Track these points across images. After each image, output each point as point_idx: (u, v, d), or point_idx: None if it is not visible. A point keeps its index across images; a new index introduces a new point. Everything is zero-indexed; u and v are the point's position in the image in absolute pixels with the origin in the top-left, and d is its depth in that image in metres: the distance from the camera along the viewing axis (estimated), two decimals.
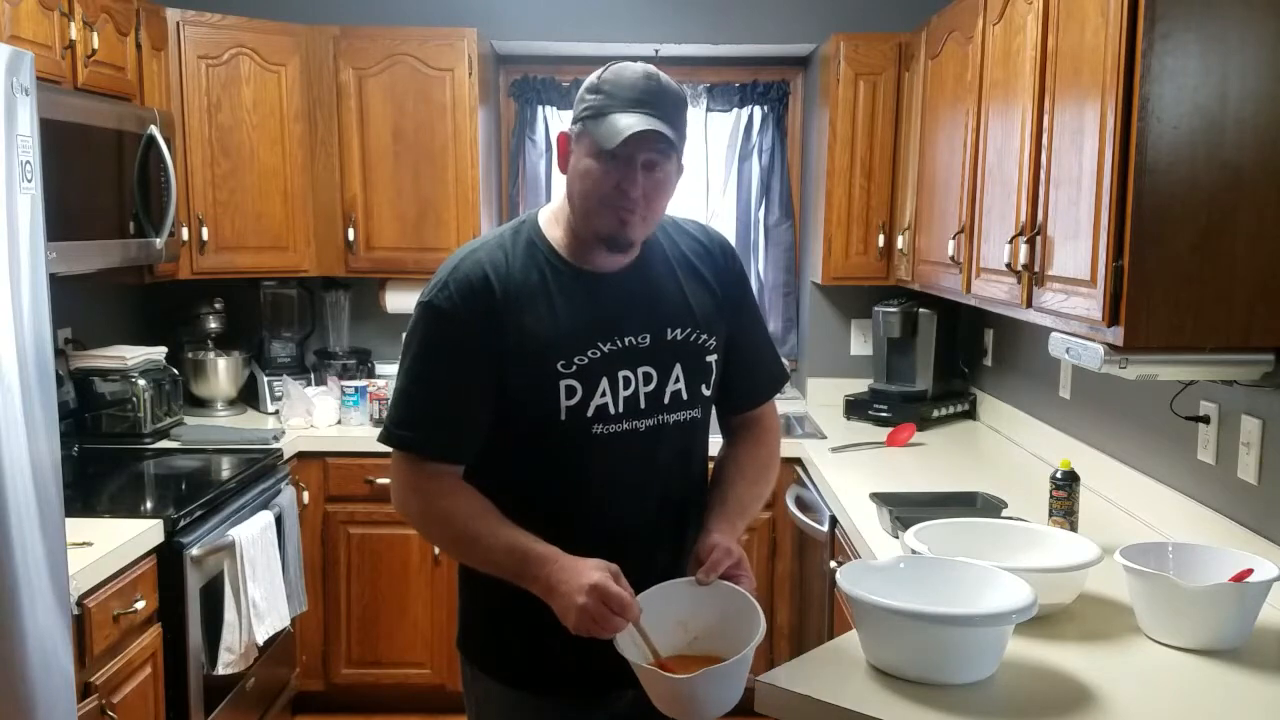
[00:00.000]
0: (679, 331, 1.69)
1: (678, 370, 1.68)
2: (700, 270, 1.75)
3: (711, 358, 1.73)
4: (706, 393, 1.73)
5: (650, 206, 1.61)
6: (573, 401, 1.61)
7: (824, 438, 3.49)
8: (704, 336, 1.71)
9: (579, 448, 1.63)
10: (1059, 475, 2.34)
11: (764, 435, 1.85)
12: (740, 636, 1.52)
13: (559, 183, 4.62)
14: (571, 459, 1.63)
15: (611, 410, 1.63)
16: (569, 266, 1.66)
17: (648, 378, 1.66)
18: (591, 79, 1.62)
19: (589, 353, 1.62)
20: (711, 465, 1.83)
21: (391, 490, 1.68)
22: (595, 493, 1.66)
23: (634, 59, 1.65)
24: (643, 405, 1.66)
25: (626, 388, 1.64)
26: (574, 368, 1.61)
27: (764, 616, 1.54)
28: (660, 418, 1.68)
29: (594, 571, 1.49)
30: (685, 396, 1.69)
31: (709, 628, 1.58)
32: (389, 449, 1.67)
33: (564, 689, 1.70)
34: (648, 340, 1.66)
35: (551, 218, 1.70)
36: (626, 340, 1.64)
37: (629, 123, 1.54)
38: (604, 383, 1.63)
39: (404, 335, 1.69)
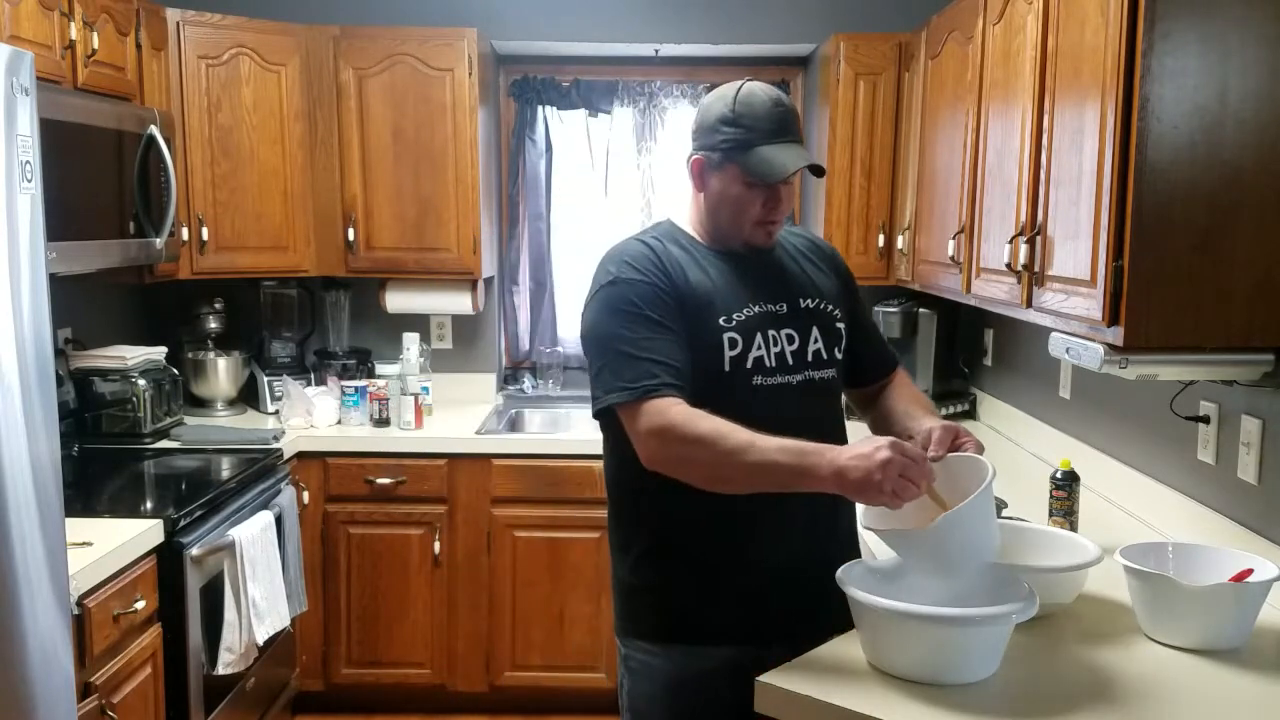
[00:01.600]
0: (810, 301, 1.89)
1: (815, 332, 1.87)
2: (814, 260, 1.98)
3: (840, 325, 1.92)
4: (839, 356, 1.92)
5: (785, 213, 1.87)
6: (734, 352, 1.79)
7: None
8: (830, 306, 1.92)
9: (742, 402, 1.75)
10: (1059, 475, 2.34)
11: (906, 381, 2.07)
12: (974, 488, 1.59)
13: (560, 182, 4.61)
14: (737, 414, 1.68)
15: (767, 363, 1.81)
16: (708, 249, 1.88)
17: (790, 339, 1.84)
18: (722, 110, 1.81)
19: (744, 310, 1.81)
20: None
21: (643, 440, 1.70)
22: None
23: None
24: (791, 362, 1.83)
25: (775, 345, 1.82)
26: (734, 322, 1.80)
27: (991, 465, 1.61)
28: (808, 373, 1.85)
29: (875, 441, 1.57)
30: (825, 356, 1.88)
31: (950, 499, 1.61)
32: (626, 406, 1.71)
33: (723, 637, 1.82)
34: (784, 308, 1.86)
35: (683, 218, 1.92)
36: (768, 306, 1.84)
37: (785, 159, 1.78)
38: (758, 337, 1.81)
39: (588, 328, 1.81)
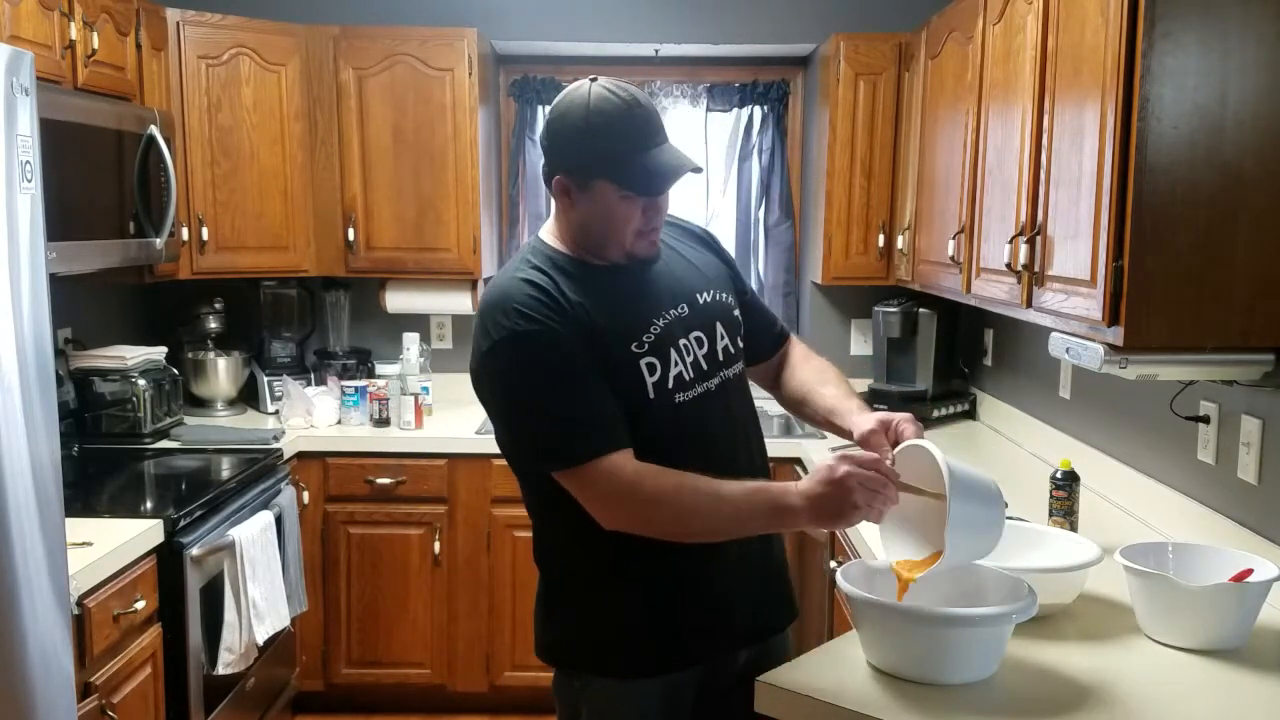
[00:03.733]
0: (706, 295, 1.79)
1: (719, 328, 1.78)
2: (693, 245, 1.88)
3: (736, 312, 1.84)
4: (741, 345, 1.83)
5: (664, 215, 1.73)
6: (655, 378, 1.67)
7: (823, 438, 3.48)
8: (724, 295, 1.83)
9: (670, 421, 1.68)
10: (1059, 475, 2.34)
11: (804, 354, 1.99)
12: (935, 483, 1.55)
13: None
14: (664, 436, 1.65)
15: (686, 377, 1.70)
16: (592, 266, 1.71)
17: (700, 341, 1.74)
18: (577, 123, 1.62)
19: (651, 329, 1.68)
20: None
21: (600, 506, 1.61)
22: (694, 463, 1.63)
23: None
24: (705, 367, 1.74)
25: (688, 354, 1.72)
26: (646, 346, 1.67)
27: (935, 450, 1.55)
28: (723, 374, 1.77)
29: (827, 463, 1.55)
30: (732, 350, 1.80)
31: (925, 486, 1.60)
32: (568, 472, 1.60)
33: (691, 659, 1.74)
34: (686, 310, 1.74)
35: (554, 235, 1.75)
36: (671, 313, 1.72)
37: (665, 165, 1.63)
38: (673, 353, 1.69)
39: (490, 389, 1.66)
